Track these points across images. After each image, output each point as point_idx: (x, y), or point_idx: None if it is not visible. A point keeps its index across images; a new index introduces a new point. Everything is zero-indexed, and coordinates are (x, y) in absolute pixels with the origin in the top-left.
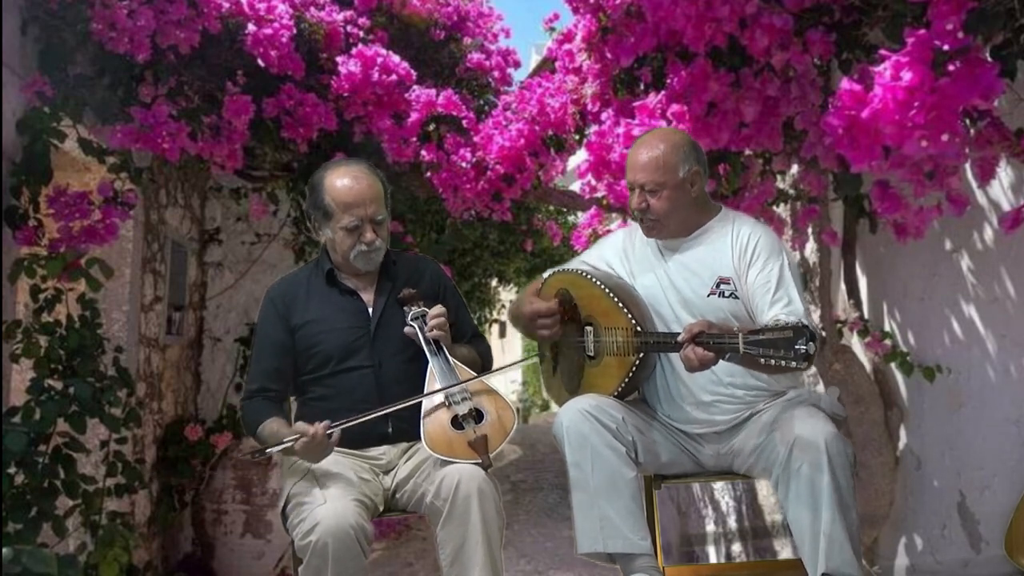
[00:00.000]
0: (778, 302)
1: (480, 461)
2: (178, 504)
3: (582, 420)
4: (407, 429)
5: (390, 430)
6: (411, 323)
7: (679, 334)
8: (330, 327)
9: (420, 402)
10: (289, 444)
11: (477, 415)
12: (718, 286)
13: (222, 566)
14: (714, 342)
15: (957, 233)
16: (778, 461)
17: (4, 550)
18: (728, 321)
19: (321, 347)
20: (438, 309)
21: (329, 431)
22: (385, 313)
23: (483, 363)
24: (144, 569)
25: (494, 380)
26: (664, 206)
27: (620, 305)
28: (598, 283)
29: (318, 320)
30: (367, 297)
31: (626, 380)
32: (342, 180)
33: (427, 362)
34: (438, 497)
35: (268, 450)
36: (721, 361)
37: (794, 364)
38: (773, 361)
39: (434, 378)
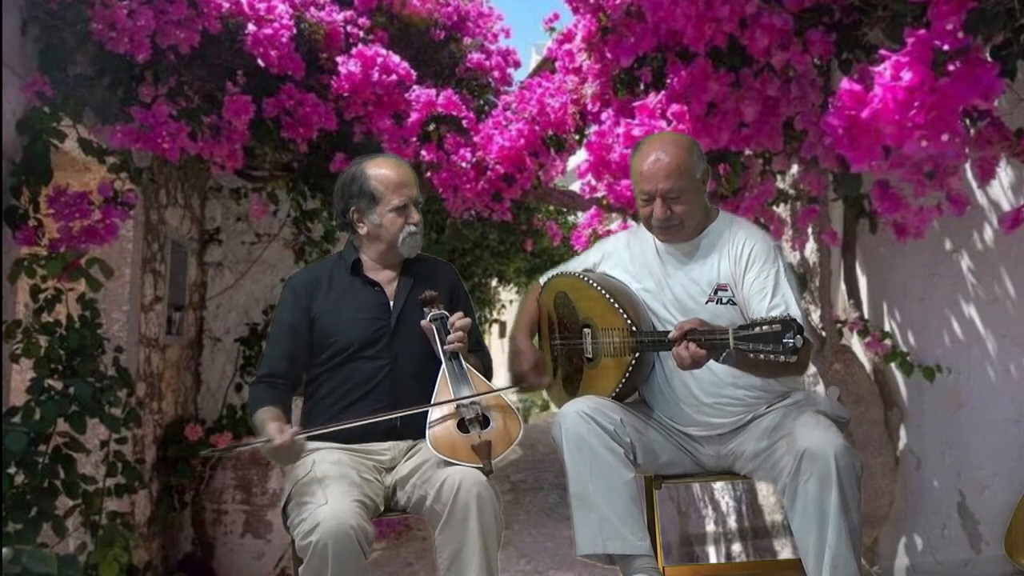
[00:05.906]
0: (775, 308)
1: (481, 466)
2: (178, 504)
3: (580, 422)
4: (417, 426)
5: (399, 424)
6: (430, 323)
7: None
8: (351, 317)
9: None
10: (257, 446)
11: (484, 420)
12: (716, 293)
13: (222, 566)
14: (705, 339)
15: (957, 233)
16: (786, 470)
17: (4, 550)
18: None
19: (340, 336)
20: (463, 322)
21: (297, 436)
22: (406, 308)
23: (484, 373)
24: (144, 569)
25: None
26: (687, 210)
27: (616, 306)
28: (595, 286)
29: (338, 309)
30: (389, 291)
31: (623, 381)
32: (381, 168)
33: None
34: (438, 501)
35: (237, 449)
36: (721, 363)
37: (783, 358)
38: (763, 356)
39: (446, 381)
